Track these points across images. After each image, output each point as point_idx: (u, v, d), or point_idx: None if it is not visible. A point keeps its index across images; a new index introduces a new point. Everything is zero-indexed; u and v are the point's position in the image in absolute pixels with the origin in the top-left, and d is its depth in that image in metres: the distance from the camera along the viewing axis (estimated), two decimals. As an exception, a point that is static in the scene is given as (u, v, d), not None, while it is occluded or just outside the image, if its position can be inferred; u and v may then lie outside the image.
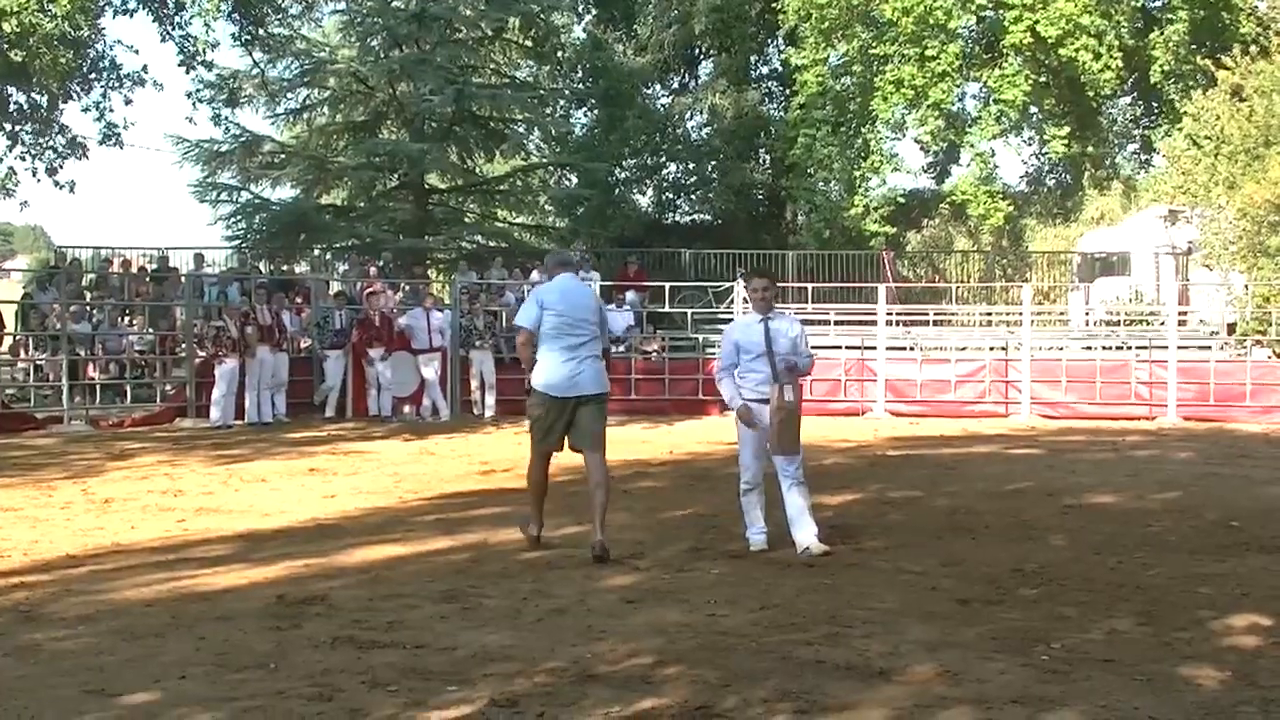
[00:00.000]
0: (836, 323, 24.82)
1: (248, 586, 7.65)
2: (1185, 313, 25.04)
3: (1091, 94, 32.46)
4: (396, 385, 20.19)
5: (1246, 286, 23.67)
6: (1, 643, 6.34)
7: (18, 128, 28.84)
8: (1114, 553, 8.73)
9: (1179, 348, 21.32)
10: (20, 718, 5.12)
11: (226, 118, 29.87)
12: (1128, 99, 36.58)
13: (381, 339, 20.19)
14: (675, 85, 41.24)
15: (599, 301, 9.47)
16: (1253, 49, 25.67)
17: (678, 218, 40.26)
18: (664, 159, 39.07)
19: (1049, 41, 30.98)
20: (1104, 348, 23.98)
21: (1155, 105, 34.54)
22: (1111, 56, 30.95)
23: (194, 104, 29.57)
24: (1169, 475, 13.26)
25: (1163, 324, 23.37)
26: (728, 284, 24.85)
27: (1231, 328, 23.90)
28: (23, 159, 28.96)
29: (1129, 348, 23.14)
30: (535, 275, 26.00)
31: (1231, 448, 16.21)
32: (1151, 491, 11.86)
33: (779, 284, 27.76)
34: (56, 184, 29.12)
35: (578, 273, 10.68)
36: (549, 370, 8.68)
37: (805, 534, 8.74)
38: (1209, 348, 23.42)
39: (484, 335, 21.29)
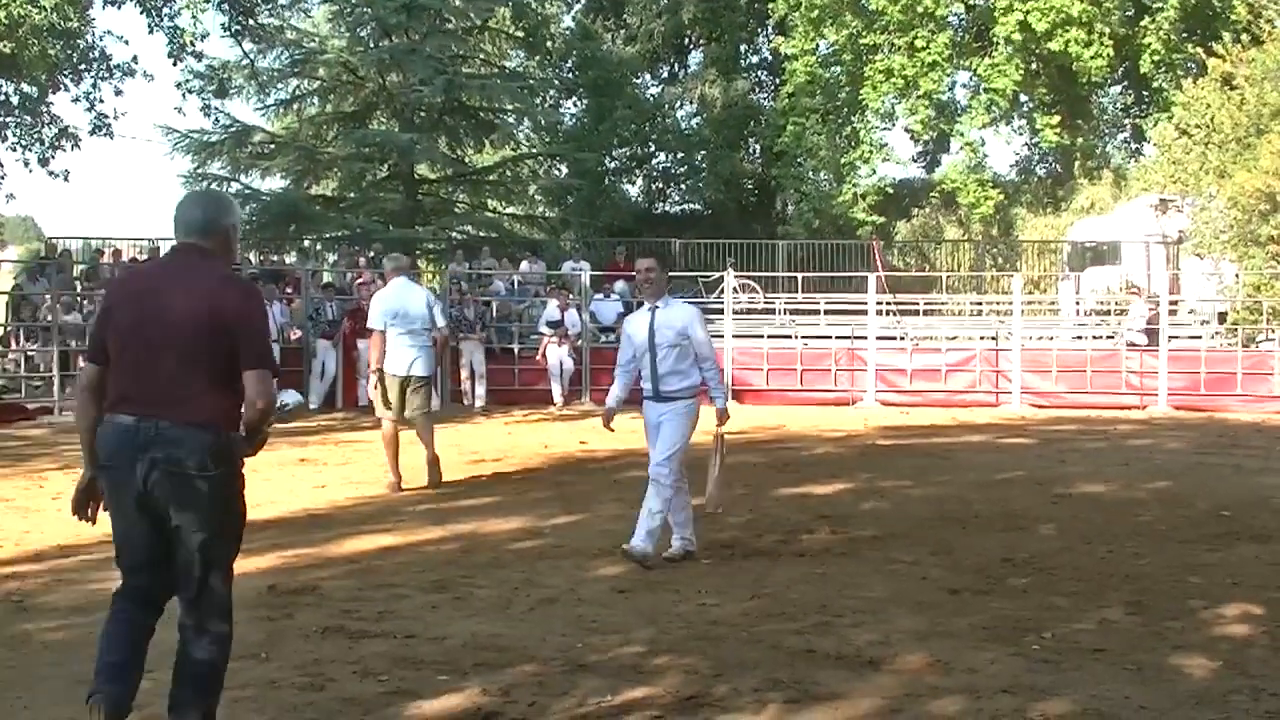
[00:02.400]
0: (826, 312, 24.83)
1: (239, 576, 7.52)
2: (1176, 302, 25.06)
3: (1083, 81, 32.49)
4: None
5: (1237, 275, 23.70)
6: (-7, 634, 6.34)
7: (7, 119, 28.76)
8: (1104, 542, 8.75)
9: (1170, 337, 21.33)
10: (13, 708, 5.12)
11: (216, 108, 29.84)
12: (1118, 87, 36.62)
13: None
14: (665, 75, 41.26)
15: (430, 299, 11.67)
16: (1244, 37, 25.68)
17: (667, 207, 40.29)
18: (653, 149, 39.08)
19: (1039, 33, 31.01)
20: (1094, 337, 24.00)
21: (1146, 94, 34.56)
22: (1102, 44, 30.97)
23: (184, 95, 29.49)
24: (1160, 465, 13.29)
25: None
26: (717, 274, 24.84)
27: (1222, 317, 23.93)
28: (14, 150, 28.91)
29: (1119, 337, 23.16)
30: (525, 265, 26.02)
31: (1222, 437, 16.23)
32: (1142, 481, 11.88)
33: (769, 273, 27.95)
34: (51, 174, 29.07)
35: (412, 276, 12.38)
36: (391, 357, 11.22)
37: (636, 533, 7.99)
38: (1199, 337, 23.46)
39: (474, 325, 21.27)
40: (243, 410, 4.39)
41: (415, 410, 11.43)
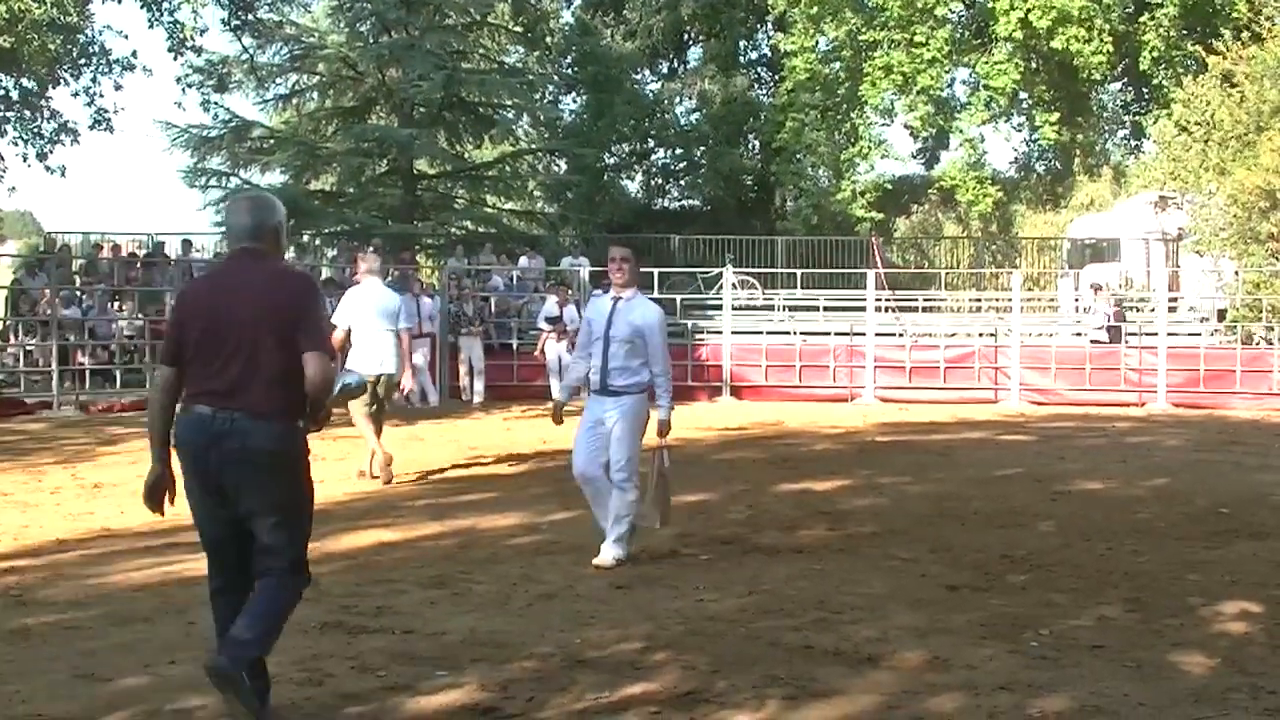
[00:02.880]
0: (825, 308, 24.83)
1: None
2: (1175, 299, 25.06)
3: (1083, 77, 32.48)
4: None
5: (1237, 273, 23.70)
6: (-10, 628, 6.34)
7: (8, 113, 28.76)
8: (1103, 539, 8.75)
9: (1169, 334, 21.34)
10: (11, 702, 5.11)
11: (216, 103, 29.81)
12: (1118, 84, 36.59)
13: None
14: (664, 71, 41.22)
15: (396, 300, 12.08)
16: (1244, 34, 25.66)
17: (666, 203, 40.26)
18: (653, 145, 39.06)
19: (1040, 31, 31.00)
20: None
21: (1145, 91, 34.55)
22: (1102, 40, 30.95)
23: (183, 89, 29.51)
24: (1158, 462, 13.29)
25: (1153, 310, 23.39)
26: (716, 270, 24.83)
27: (1222, 314, 23.93)
28: (15, 145, 28.93)
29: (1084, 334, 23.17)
30: (524, 261, 26.01)
31: (1221, 434, 16.23)
32: (1141, 478, 11.88)
33: (768, 269, 27.94)
34: (48, 169, 29.09)
35: (383, 277, 12.95)
36: (362, 357, 11.36)
37: (605, 545, 7.89)
38: (1199, 334, 23.46)
39: (473, 321, 21.26)
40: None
41: (384, 409, 11.96)
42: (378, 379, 11.41)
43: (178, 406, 4.83)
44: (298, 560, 4.88)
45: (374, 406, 11.55)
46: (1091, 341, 22.10)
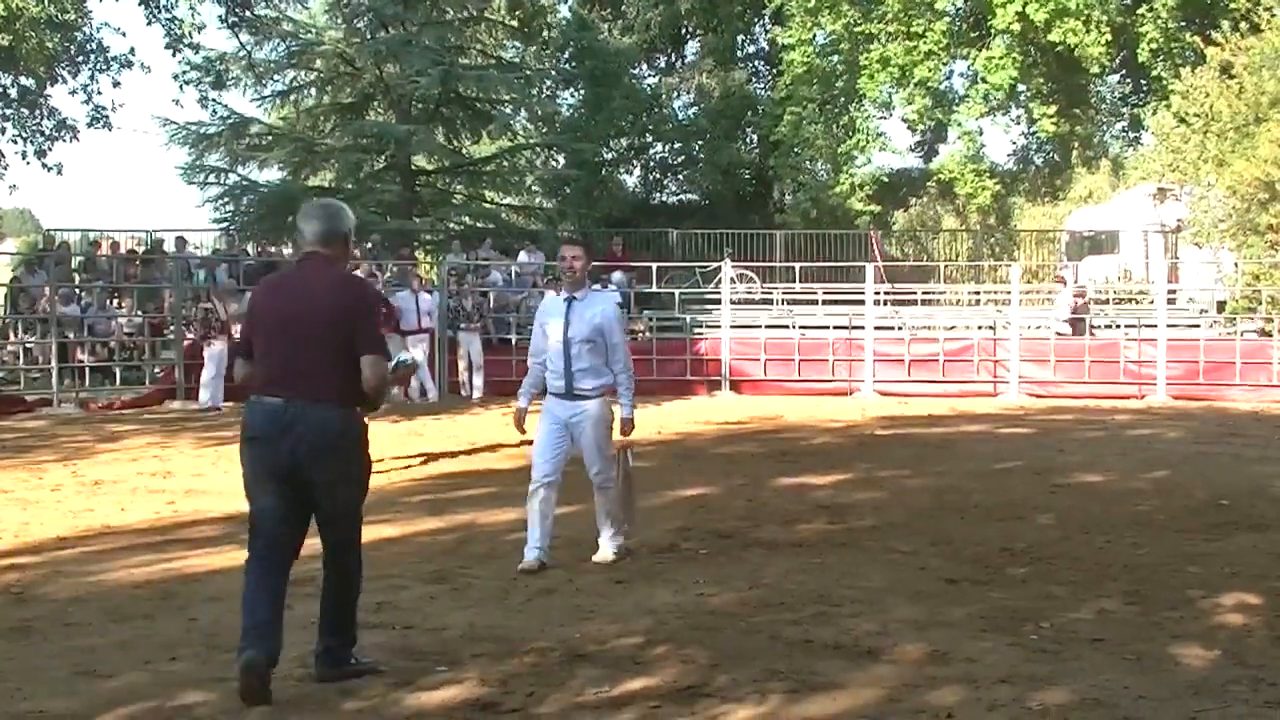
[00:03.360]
0: (824, 302, 24.82)
1: (237, 568, 7.59)
2: (1174, 291, 25.06)
3: (1082, 69, 32.45)
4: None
5: (1236, 264, 23.71)
6: (-9, 626, 6.35)
7: (6, 111, 28.75)
8: (1103, 532, 8.75)
9: (1168, 326, 21.34)
10: (12, 699, 5.12)
11: (213, 100, 29.74)
12: (1116, 76, 36.55)
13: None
14: (662, 65, 41.17)
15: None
16: (1243, 25, 25.63)
17: (665, 198, 40.19)
18: (651, 139, 38.97)
19: (1038, 25, 30.97)
20: (1093, 326, 23.98)
21: (1144, 83, 34.50)
22: (1100, 32, 30.92)
23: (181, 86, 29.44)
24: (1158, 454, 13.29)
25: (1152, 302, 23.39)
26: (715, 264, 24.82)
27: (1221, 306, 23.94)
28: (14, 142, 28.92)
29: (1118, 326, 23.16)
30: (523, 256, 26.00)
31: (1221, 426, 16.23)
32: (1140, 470, 11.88)
33: (767, 263, 27.93)
34: (45, 166, 29.07)
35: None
36: None
37: (601, 541, 7.91)
38: (1198, 326, 23.46)
39: (472, 316, 21.26)
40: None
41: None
42: None
43: (251, 396, 5.36)
44: (355, 535, 5.44)
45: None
46: (1056, 334, 22.14)
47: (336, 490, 5.28)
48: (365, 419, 5.44)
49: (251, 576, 5.23)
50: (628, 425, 7.85)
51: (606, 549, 7.81)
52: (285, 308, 5.32)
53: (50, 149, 29.15)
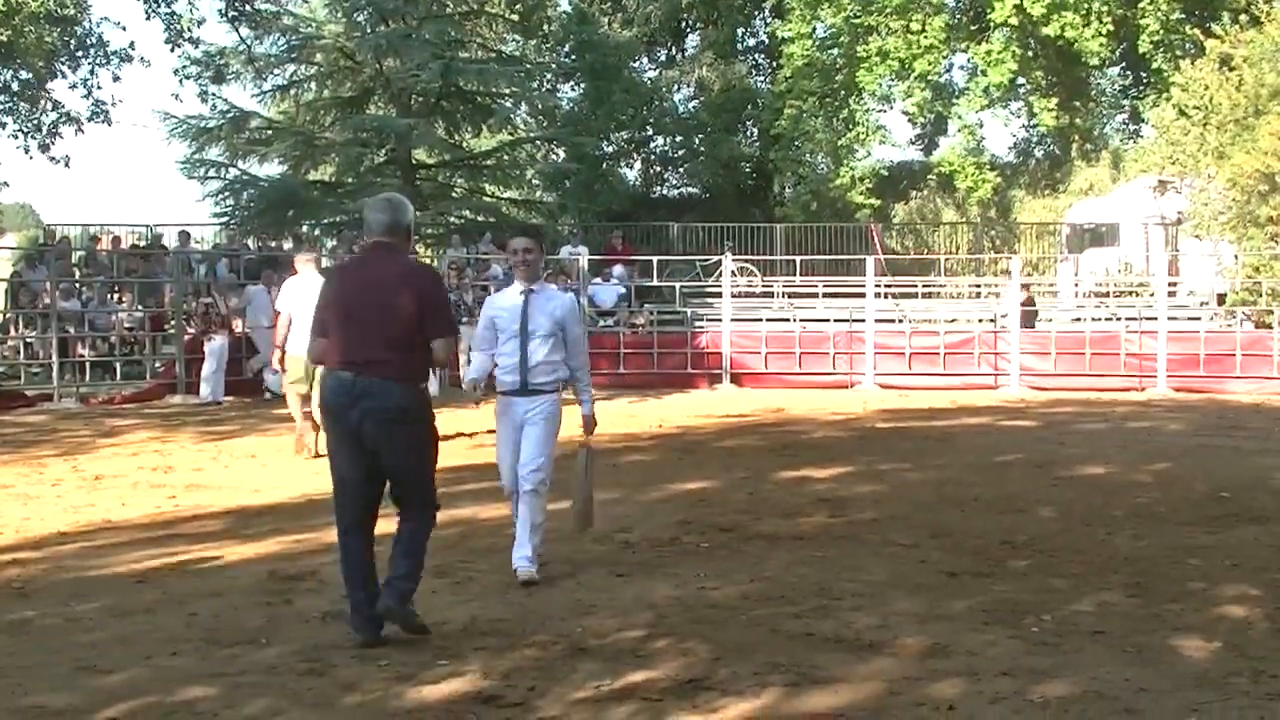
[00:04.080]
0: (825, 295, 24.82)
1: (238, 562, 7.66)
2: (1175, 283, 25.05)
3: (1081, 63, 32.42)
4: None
5: (1236, 257, 23.70)
6: (-8, 621, 6.35)
7: (6, 104, 28.77)
8: (1104, 524, 8.75)
9: (1169, 318, 21.33)
10: (13, 694, 5.12)
11: (213, 94, 29.74)
12: (1116, 69, 36.52)
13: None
14: (662, 58, 41.15)
15: None
16: (1242, 18, 25.60)
17: (665, 191, 40.21)
18: (651, 132, 38.99)
19: (1035, 18, 30.96)
20: (1093, 319, 23.99)
21: (1144, 75, 34.47)
22: (1100, 24, 30.89)
23: (181, 81, 29.44)
24: (1159, 446, 13.29)
25: (1152, 295, 23.39)
26: (715, 257, 24.82)
27: (1221, 298, 23.93)
28: (15, 137, 28.94)
29: (1118, 319, 23.16)
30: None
31: (1222, 418, 16.24)
32: (1141, 463, 11.88)
33: (767, 257, 27.92)
34: (51, 159, 29.08)
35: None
36: (300, 339, 11.74)
37: (517, 552, 7.19)
38: (1199, 318, 23.45)
39: (472, 310, 21.25)
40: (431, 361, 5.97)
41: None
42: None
43: (323, 370, 6.10)
44: (427, 495, 6.06)
45: (309, 387, 11.96)
46: (1003, 328, 22.22)
47: (403, 459, 5.87)
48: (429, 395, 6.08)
49: (345, 551, 6.00)
50: (591, 422, 7.47)
51: (529, 567, 7.09)
52: (358, 292, 5.91)
53: (54, 142, 29.19)
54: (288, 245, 28.00)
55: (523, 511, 7.16)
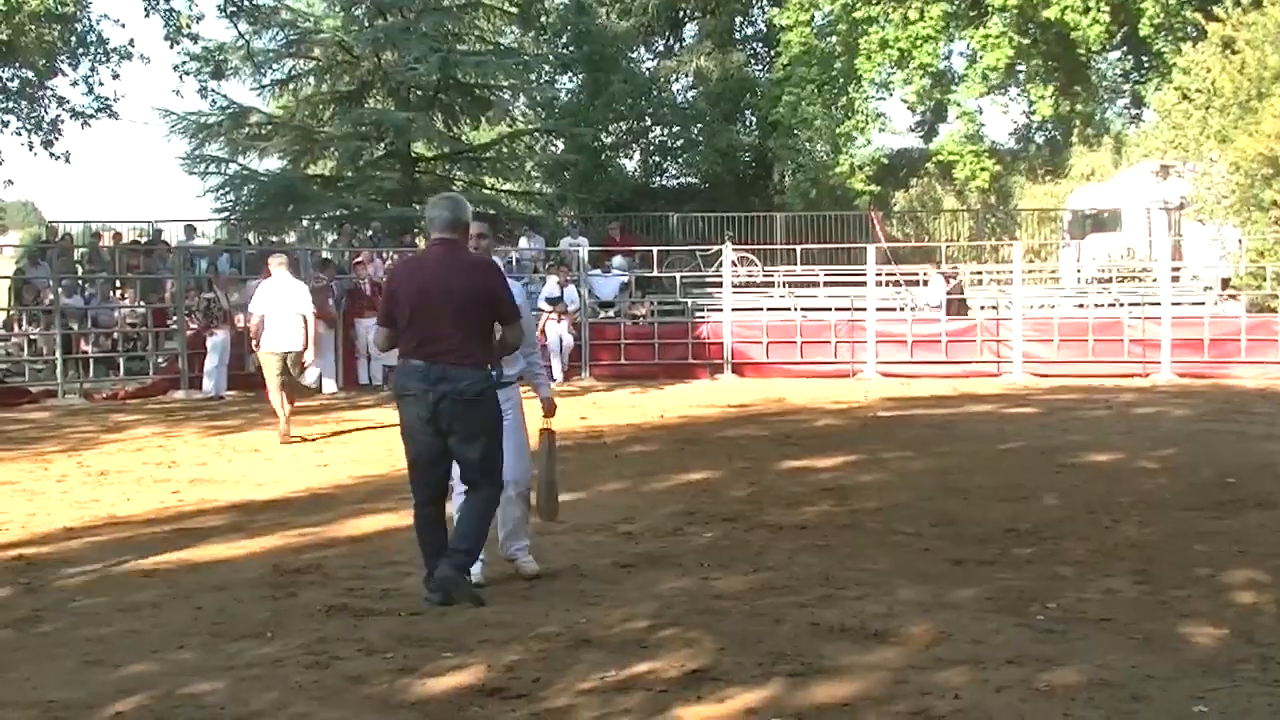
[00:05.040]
0: (825, 284, 24.78)
1: (243, 556, 7.67)
2: (1178, 268, 24.99)
3: (1080, 49, 32.34)
4: (388, 354, 20.10)
5: (1240, 241, 23.64)
6: (1, 616, 6.36)
7: (7, 104, 28.75)
8: (1109, 511, 8.75)
9: (1173, 304, 21.30)
10: (22, 688, 5.13)
11: (213, 90, 29.72)
12: (1117, 53, 36.41)
13: (374, 307, 20.14)
14: (660, 48, 41.03)
15: (302, 293, 13.91)
16: (1244, 0, 25.51)
17: (665, 181, 40.10)
18: (650, 123, 38.88)
19: (1034, 2, 30.88)
20: (1096, 305, 23.93)
21: (1145, 59, 34.35)
22: (1100, 10, 30.80)
23: (180, 77, 29.41)
24: (1164, 432, 13.27)
25: (1155, 280, 23.35)
26: (716, 247, 24.78)
27: (1225, 282, 23.87)
28: (18, 134, 28.91)
29: (1122, 305, 23.11)
30: (524, 242, 25.96)
31: (1227, 403, 16.21)
32: (1146, 449, 11.87)
33: (768, 246, 27.90)
34: (53, 155, 29.06)
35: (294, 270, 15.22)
36: (271, 337, 13.55)
37: (516, 544, 7.13)
38: (1202, 303, 23.40)
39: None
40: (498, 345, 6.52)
41: (297, 376, 13.85)
42: (286, 354, 13.53)
43: (397, 360, 6.58)
44: (492, 470, 6.47)
45: (284, 377, 13.55)
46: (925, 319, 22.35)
47: (474, 439, 6.35)
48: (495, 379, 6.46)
49: (422, 521, 6.54)
50: (550, 405, 7.26)
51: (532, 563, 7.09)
52: (426, 285, 6.36)
53: (57, 138, 29.18)
54: (289, 239, 28.02)
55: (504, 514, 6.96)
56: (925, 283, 24.31)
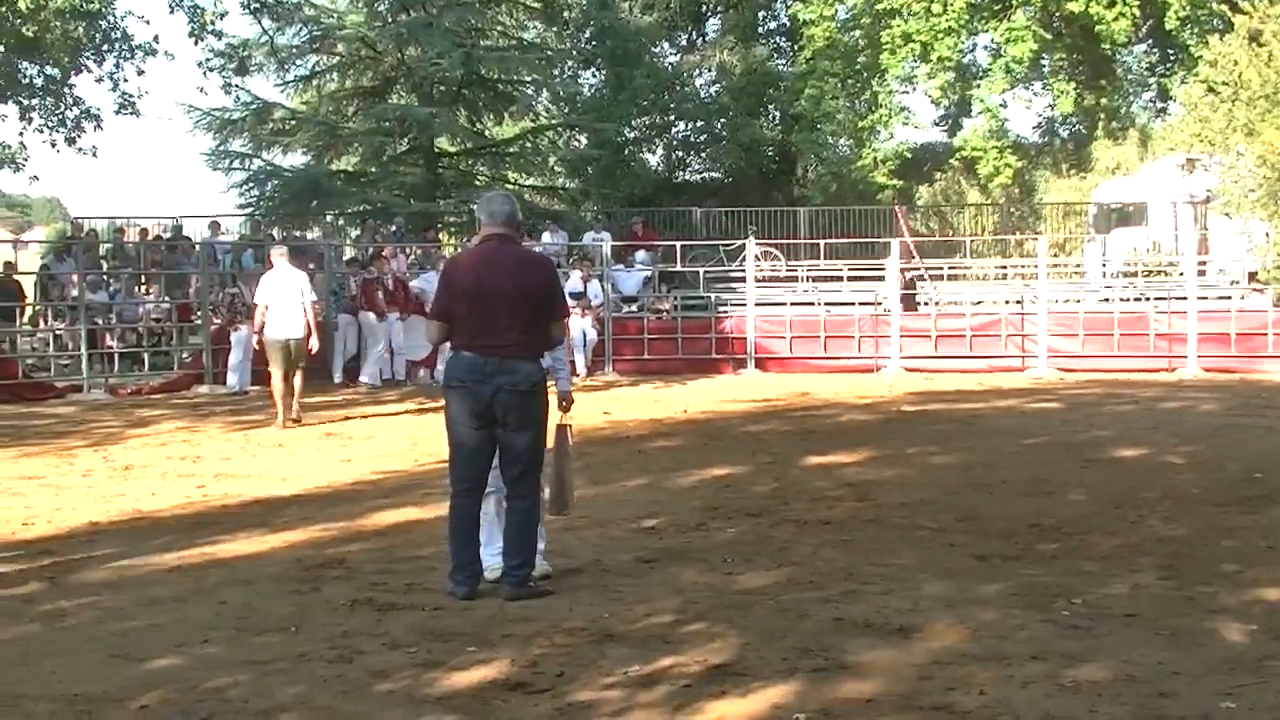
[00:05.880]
0: (849, 278, 24.72)
1: (267, 551, 7.68)
2: (1204, 262, 24.84)
3: (1105, 42, 32.17)
4: (410, 348, 20.16)
5: (1267, 234, 23.48)
6: (28, 609, 6.40)
7: (32, 101, 28.90)
8: (1135, 506, 8.70)
9: (1199, 298, 21.16)
10: (47, 681, 5.15)
11: (237, 86, 29.84)
12: (1143, 46, 36.21)
13: (398, 302, 20.19)
14: (683, 43, 41.02)
15: (303, 281, 14.58)
16: (1272, -8, 25.31)
17: (688, 176, 40.08)
18: (673, 117, 38.86)
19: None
20: (1122, 299, 23.81)
21: (1171, 52, 34.17)
22: (1125, 3, 30.63)
23: (204, 73, 29.54)
24: (1190, 427, 13.18)
25: (1182, 274, 23.21)
26: (739, 242, 24.75)
27: (1252, 276, 23.71)
28: (40, 131, 29.07)
29: (1147, 299, 22.98)
30: (547, 237, 25.99)
31: (1254, 398, 16.10)
32: (1173, 444, 11.78)
33: (791, 240, 27.83)
34: (79, 150, 29.23)
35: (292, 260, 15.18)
36: (274, 325, 14.24)
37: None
38: (1229, 297, 23.25)
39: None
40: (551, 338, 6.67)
41: (299, 363, 14.50)
42: (288, 341, 14.19)
43: (448, 348, 6.74)
44: (534, 465, 6.58)
45: (286, 365, 14.21)
46: (884, 310, 22.23)
47: (524, 430, 6.46)
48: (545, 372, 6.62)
49: (456, 510, 6.55)
50: (567, 400, 7.10)
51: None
52: (481, 279, 6.48)
53: (78, 135, 29.32)
54: (312, 235, 28.10)
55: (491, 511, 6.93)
56: (792, 277, 24.33)
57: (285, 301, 14.29)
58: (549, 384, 7.05)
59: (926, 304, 23.44)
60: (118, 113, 29.60)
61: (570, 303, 21.05)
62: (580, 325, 20.83)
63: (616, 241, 25.08)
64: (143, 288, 22.67)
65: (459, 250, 24.02)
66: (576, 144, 35.66)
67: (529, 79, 31.07)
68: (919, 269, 24.32)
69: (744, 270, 22.86)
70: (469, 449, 6.52)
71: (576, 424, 7.32)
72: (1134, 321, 21.24)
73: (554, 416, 6.97)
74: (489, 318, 6.42)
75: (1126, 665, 5.12)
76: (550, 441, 6.92)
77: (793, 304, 23.30)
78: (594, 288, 21.74)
